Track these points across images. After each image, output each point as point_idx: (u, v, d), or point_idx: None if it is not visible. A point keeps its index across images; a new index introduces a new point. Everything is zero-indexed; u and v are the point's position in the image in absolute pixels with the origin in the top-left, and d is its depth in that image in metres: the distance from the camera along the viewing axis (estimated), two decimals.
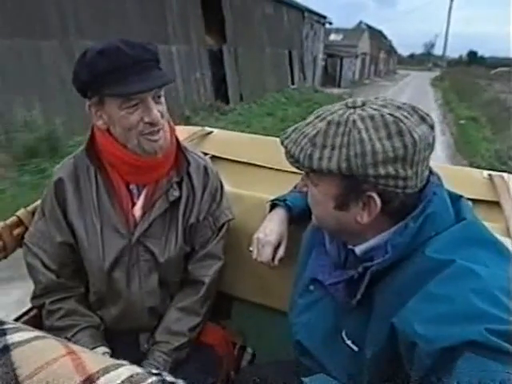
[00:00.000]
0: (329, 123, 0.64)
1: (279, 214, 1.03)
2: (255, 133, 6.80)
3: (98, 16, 6.05)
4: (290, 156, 0.69)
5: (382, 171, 0.61)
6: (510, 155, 6.11)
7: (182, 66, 8.19)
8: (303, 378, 0.69)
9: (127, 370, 0.29)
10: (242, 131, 6.98)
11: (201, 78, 8.89)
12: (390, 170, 0.61)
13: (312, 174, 0.69)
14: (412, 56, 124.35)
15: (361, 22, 34.22)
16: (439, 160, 6.20)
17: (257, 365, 1.24)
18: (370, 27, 33.56)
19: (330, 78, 21.52)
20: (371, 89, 21.29)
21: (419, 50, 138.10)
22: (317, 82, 18.94)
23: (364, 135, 0.61)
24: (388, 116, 0.61)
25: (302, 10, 16.01)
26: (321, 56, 19.93)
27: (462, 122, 10.63)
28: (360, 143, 0.61)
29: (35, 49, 5.27)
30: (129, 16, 6.72)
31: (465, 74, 32.40)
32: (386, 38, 45.29)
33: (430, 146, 0.64)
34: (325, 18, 19.86)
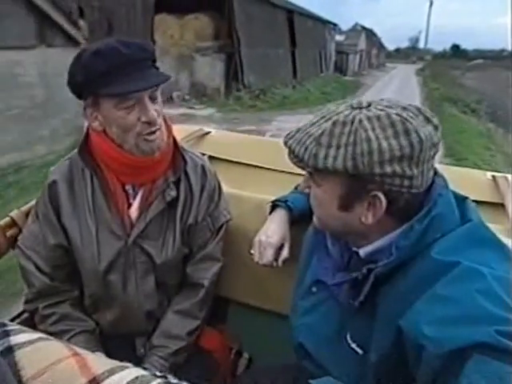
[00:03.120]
0: (334, 123, 0.66)
1: (280, 215, 1.06)
2: (328, 92, 15.32)
3: (263, 35, 14.37)
4: (294, 156, 0.71)
5: (388, 170, 0.63)
6: (448, 94, 14.88)
7: (283, 61, 16.55)
8: (311, 381, 0.70)
9: (132, 372, 0.30)
10: (324, 92, 15.35)
11: (287, 67, 17.24)
12: (397, 168, 0.63)
13: (316, 175, 0.71)
14: (398, 50, 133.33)
15: (356, 24, 43.10)
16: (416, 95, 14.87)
17: (254, 370, 1.25)
18: (363, 27, 42.45)
19: (339, 69, 29.94)
20: (370, 77, 30.05)
21: (404, 44, 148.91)
22: (331, 72, 27.35)
23: (371, 134, 0.63)
24: (394, 116, 0.64)
25: (324, 21, 24.53)
26: (333, 53, 28.40)
27: (431, 90, 19.38)
28: (366, 142, 0.63)
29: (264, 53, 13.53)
30: (268, 36, 15.02)
31: (444, 66, 41.76)
32: (375, 35, 54.40)
33: (435, 146, 0.66)
34: (335, 25, 28.55)
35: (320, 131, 0.67)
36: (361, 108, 0.67)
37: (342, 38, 34.96)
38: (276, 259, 1.02)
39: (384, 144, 0.63)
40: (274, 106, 11.96)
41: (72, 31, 5.76)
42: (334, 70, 28.48)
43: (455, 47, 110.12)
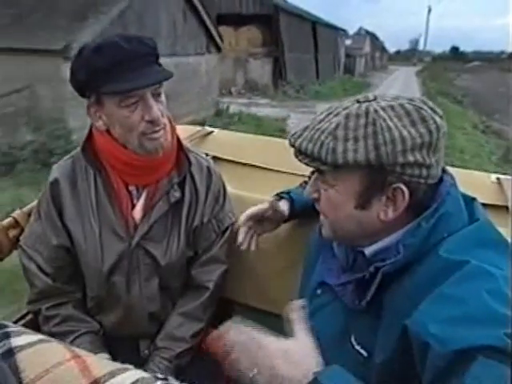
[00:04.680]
0: (347, 116, 0.66)
1: (281, 204, 1.08)
2: (347, 89, 20.09)
3: (297, 43, 18.91)
4: (306, 156, 0.69)
5: (410, 158, 0.63)
6: (442, 91, 19.50)
7: (310, 63, 21.13)
8: (315, 372, 0.64)
9: (133, 374, 0.31)
10: (344, 89, 20.08)
11: (312, 69, 21.80)
12: (418, 157, 0.64)
13: (329, 174, 0.70)
14: (398, 52, 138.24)
15: (361, 28, 47.87)
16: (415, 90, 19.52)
17: None
18: (367, 32, 47.20)
19: (347, 71, 34.48)
20: (376, 78, 34.72)
21: (405, 46, 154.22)
22: (341, 73, 31.91)
23: (390, 123, 0.64)
24: (408, 105, 0.65)
25: (337, 29, 29.19)
26: (343, 56, 32.99)
27: (429, 88, 23.99)
28: (388, 131, 0.63)
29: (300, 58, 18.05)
30: (300, 43, 19.54)
31: (442, 67, 46.45)
32: (378, 39, 59.26)
33: (445, 136, 0.67)
34: (344, 31, 33.25)
35: (334, 125, 0.66)
36: (369, 101, 0.68)
37: (349, 42, 39.63)
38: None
39: (405, 132, 0.63)
40: (311, 98, 16.43)
41: (220, 42, 10.28)
42: (343, 71, 33.06)
43: (454, 49, 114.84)
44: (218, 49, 10.50)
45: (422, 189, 0.68)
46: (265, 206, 1.06)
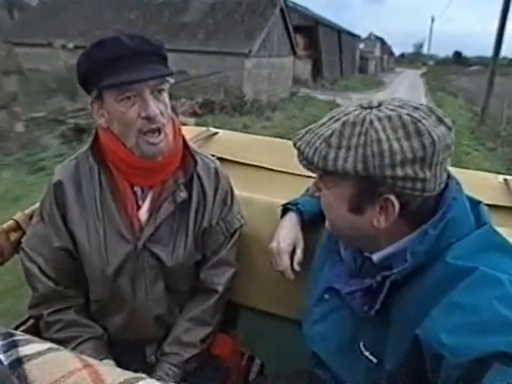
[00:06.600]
0: (344, 123, 0.67)
1: (291, 218, 1.09)
2: (367, 84, 26.02)
3: (328, 47, 24.58)
4: (303, 158, 0.72)
5: (399, 172, 0.63)
6: (441, 87, 25.25)
7: (336, 64, 26.84)
8: None
9: (147, 383, 0.30)
10: (365, 84, 26.00)
11: (337, 68, 27.46)
12: (409, 171, 0.63)
13: (325, 177, 0.72)
14: (403, 55, 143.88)
15: (371, 34, 53.61)
16: (419, 87, 25.27)
17: (266, 376, 1.27)
18: (377, 37, 52.93)
19: (361, 71, 40.10)
20: (386, 77, 40.45)
21: (409, 49, 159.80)
22: (357, 73, 37.58)
23: (382, 135, 0.64)
24: (406, 116, 0.64)
25: (354, 35, 34.92)
26: (357, 58, 38.68)
27: (432, 86, 29.69)
28: (377, 143, 0.63)
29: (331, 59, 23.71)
30: (330, 48, 25.20)
31: (444, 71, 52.19)
32: (386, 43, 64.98)
33: (449, 148, 0.66)
34: (359, 37, 38.99)
35: (329, 132, 0.67)
36: (371, 108, 0.68)
37: (362, 46, 45.30)
38: (292, 264, 1.05)
39: (395, 145, 0.63)
40: (343, 90, 22.08)
41: (296, 48, 16.01)
42: (358, 71, 38.73)
43: (457, 54, 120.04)
44: (294, 52, 16.21)
45: (418, 201, 0.67)
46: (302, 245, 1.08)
